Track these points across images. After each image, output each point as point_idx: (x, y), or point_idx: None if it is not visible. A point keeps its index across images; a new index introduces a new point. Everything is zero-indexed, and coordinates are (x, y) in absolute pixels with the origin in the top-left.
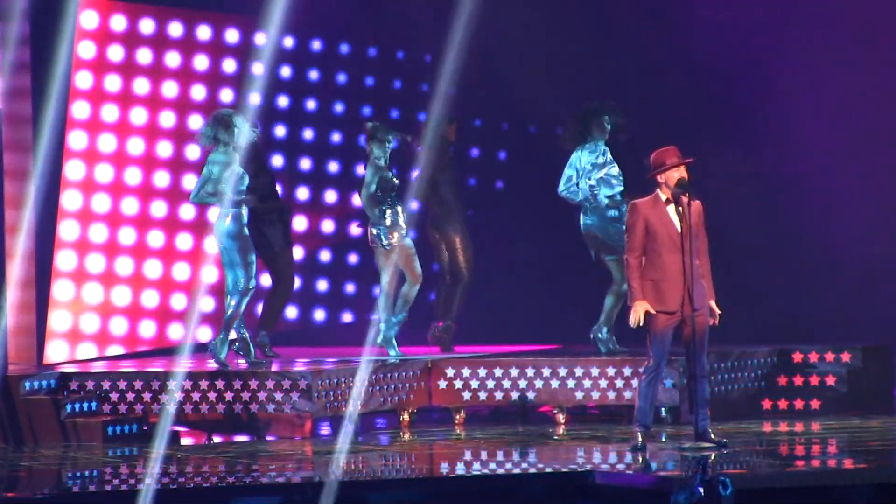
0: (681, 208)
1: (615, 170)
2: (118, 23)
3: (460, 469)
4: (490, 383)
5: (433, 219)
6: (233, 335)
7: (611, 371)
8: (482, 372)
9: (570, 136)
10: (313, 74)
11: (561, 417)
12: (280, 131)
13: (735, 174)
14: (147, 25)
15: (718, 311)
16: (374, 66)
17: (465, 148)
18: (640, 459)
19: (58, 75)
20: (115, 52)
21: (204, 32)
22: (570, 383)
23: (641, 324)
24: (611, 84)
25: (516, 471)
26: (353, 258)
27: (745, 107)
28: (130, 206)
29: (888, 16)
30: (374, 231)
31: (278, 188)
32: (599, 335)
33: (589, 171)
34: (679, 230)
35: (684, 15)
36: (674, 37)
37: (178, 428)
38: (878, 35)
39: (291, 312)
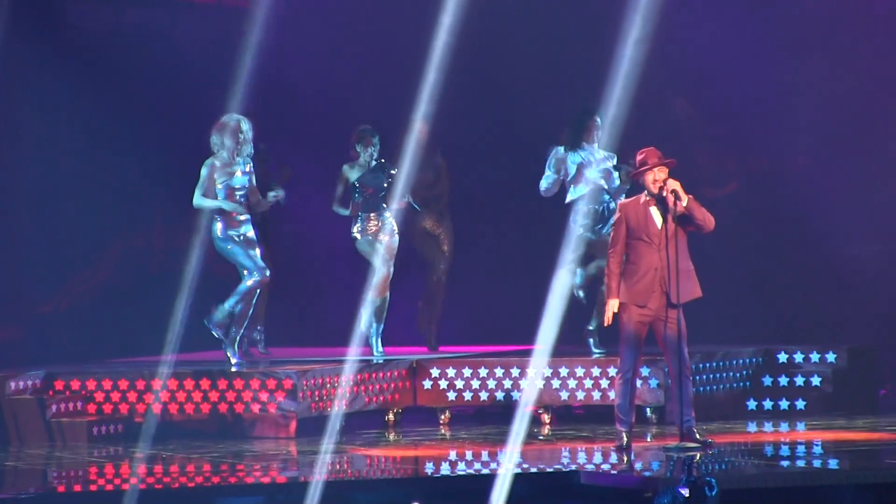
0: (666, 207)
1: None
2: None
3: (445, 469)
4: (475, 383)
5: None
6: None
7: (596, 371)
8: (467, 372)
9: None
10: None
11: (546, 417)
12: None
13: (721, 174)
14: None
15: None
16: None
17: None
18: (625, 459)
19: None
20: None
21: None
22: (555, 383)
23: (609, 323)
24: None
25: (501, 471)
26: None
27: (733, 107)
28: None
29: (875, 15)
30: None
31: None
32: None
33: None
34: (658, 229)
35: (673, 16)
36: (663, 38)
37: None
38: (872, 34)
39: None
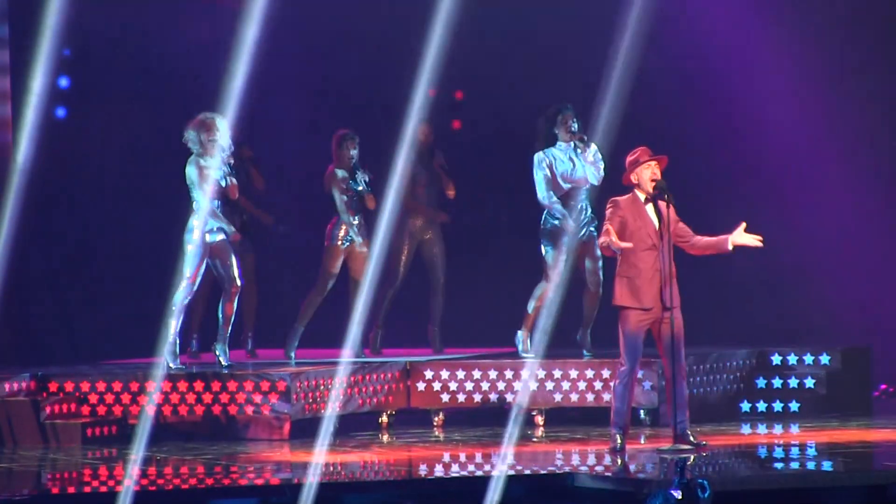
0: (659, 207)
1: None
2: None
3: (439, 471)
4: (469, 385)
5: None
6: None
7: (589, 373)
8: (461, 374)
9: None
10: None
11: (540, 419)
12: None
13: (714, 176)
14: None
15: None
16: None
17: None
18: (619, 461)
19: (38, 77)
20: None
21: None
22: (549, 385)
23: (615, 241)
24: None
25: (495, 473)
26: None
27: (727, 112)
28: None
29: (862, 24)
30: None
31: None
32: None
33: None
34: (657, 229)
35: (670, 21)
36: (659, 42)
37: None
38: (861, 43)
39: None
